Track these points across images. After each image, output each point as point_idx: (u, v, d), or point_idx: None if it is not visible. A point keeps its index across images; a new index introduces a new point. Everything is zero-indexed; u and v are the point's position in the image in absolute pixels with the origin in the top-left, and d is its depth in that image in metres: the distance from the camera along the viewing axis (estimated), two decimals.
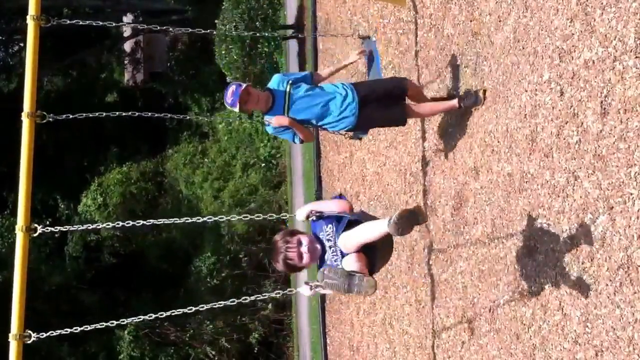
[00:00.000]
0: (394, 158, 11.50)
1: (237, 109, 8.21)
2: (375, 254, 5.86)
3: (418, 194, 10.37)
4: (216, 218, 7.97)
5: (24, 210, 7.63)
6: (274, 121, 8.25)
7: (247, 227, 25.95)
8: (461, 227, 8.78)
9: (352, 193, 14.30)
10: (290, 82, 8.35)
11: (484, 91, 8.30)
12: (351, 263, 5.63)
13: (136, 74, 43.16)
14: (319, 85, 8.57)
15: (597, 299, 5.83)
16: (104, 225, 8.13)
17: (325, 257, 6.06)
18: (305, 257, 6.00)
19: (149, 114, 10.17)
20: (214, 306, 7.67)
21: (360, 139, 9.50)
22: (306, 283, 5.87)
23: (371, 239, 5.61)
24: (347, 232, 5.81)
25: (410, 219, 5.21)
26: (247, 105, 8.25)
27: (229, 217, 7.97)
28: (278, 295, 6.83)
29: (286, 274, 24.94)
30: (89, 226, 8.30)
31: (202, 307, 7.95)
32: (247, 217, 7.76)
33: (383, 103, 8.37)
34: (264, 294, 8.01)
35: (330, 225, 6.14)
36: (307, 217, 6.33)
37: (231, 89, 8.21)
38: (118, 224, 7.92)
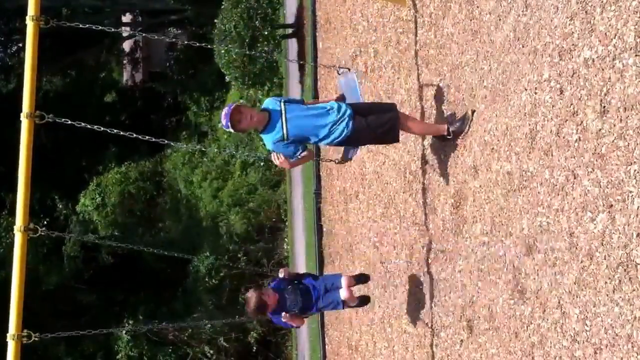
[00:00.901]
0: (394, 157, 11.50)
1: (232, 130, 8.39)
2: None
3: (417, 193, 10.37)
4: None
5: (22, 211, 7.64)
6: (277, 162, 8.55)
7: (246, 226, 25.94)
8: (460, 225, 8.78)
9: (352, 192, 14.31)
10: (283, 101, 8.52)
11: (473, 111, 8.44)
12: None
13: (135, 73, 43.17)
14: (311, 106, 8.78)
15: (596, 297, 5.83)
16: (109, 243, 8.14)
17: (287, 304, 9.68)
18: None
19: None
20: (223, 322, 7.70)
21: (349, 159, 9.58)
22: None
23: None
24: None
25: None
26: (241, 124, 8.36)
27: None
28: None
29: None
30: (90, 236, 8.34)
31: (207, 323, 8.10)
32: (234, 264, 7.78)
33: (376, 118, 8.50)
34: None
35: (290, 286, 10.11)
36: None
37: (224, 111, 8.32)
38: (117, 243, 7.97)
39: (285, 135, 8.33)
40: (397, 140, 8.99)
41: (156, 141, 9.19)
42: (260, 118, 8.40)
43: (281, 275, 10.23)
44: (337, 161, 9.67)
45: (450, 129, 8.75)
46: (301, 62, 21.23)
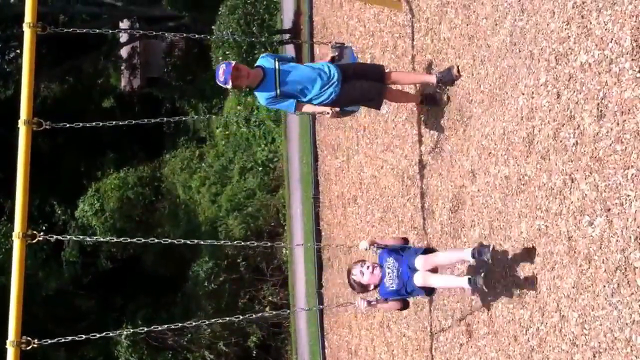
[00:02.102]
0: (391, 161, 11.52)
1: (229, 86, 8.88)
2: None
3: (415, 197, 10.39)
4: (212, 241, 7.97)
5: (20, 217, 7.64)
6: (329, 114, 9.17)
7: (245, 231, 25.92)
8: (459, 229, 8.80)
9: (349, 197, 14.32)
10: (277, 59, 9.01)
11: (458, 69, 8.89)
12: (428, 277, 7.29)
13: (133, 79, 43.18)
14: (303, 64, 9.28)
15: (594, 300, 5.85)
16: (107, 239, 8.17)
17: (384, 279, 7.53)
18: (366, 274, 7.57)
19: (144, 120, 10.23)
20: (212, 316, 7.76)
21: (351, 113, 9.97)
22: (362, 299, 7.70)
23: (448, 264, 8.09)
24: (427, 257, 7.34)
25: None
26: (239, 80, 8.84)
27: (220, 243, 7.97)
28: (271, 315, 7.25)
29: (284, 278, 24.96)
30: (87, 238, 8.36)
31: (204, 322, 8.28)
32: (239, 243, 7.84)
33: (363, 80, 9.09)
34: (260, 313, 9.04)
35: (391, 259, 7.53)
36: (371, 244, 7.73)
37: (222, 68, 8.78)
38: (112, 239, 8.02)
39: (277, 94, 8.88)
40: (379, 109, 9.91)
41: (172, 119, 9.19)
42: (255, 75, 8.86)
43: (364, 246, 7.79)
44: (337, 114, 9.69)
45: (438, 80, 9.24)
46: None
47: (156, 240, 8.43)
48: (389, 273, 7.47)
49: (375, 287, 7.65)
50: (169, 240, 8.47)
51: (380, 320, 12.12)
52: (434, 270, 7.36)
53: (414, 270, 7.31)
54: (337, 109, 9.19)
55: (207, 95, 32.82)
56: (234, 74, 8.69)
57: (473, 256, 6.98)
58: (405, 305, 7.89)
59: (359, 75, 9.11)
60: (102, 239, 8.27)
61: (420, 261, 7.27)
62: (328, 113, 9.18)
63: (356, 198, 13.80)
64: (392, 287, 7.46)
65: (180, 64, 37.74)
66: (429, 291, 7.60)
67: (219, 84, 8.92)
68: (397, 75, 9.53)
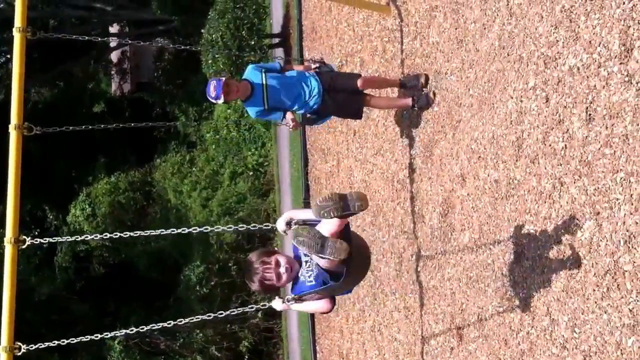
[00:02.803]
0: (381, 166, 11.52)
1: (221, 101, 9.25)
2: (349, 263, 5.42)
3: (405, 201, 10.39)
4: (201, 229, 7.91)
5: (12, 222, 7.61)
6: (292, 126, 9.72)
7: (236, 235, 25.90)
8: (449, 233, 8.80)
9: None
10: (265, 71, 9.38)
11: (434, 93, 9.21)
12: (327, 226, 5.22)
13: (123, 84, 43.09)
14: (288, 74, 9.56)
15: (584, 304, 5.85)
16: (92, 236, 8.19)
17: (300, 273, 5.86)
18: (284, 277, 5.80)
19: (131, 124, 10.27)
20: (205, 318, 7.69)
21: (319, 124, 11.05)
22: (279, 297, 5.93)
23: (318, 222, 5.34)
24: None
25: (339, 203, 5.04)
26: (230, 96, 9.21)
27: (213, 228, 7.94)
28: (252, 310, 6.82)
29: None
30: (77, 237, 8.33)
31: (193, 319, 8.03)
32: (230, 227, 7.79)
33: (343, 95, 9.52)
34: (241, 309, 8.20)
35: None
36: (288, 225, 5.80)
37: (212, 84, 9.14)
38: (106, 235, 7.96)
39: (266, 108, 9.33)
40: (359, 119, 10.39)
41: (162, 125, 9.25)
42: (243, 89, 9.28)
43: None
44: (306, 120, 10.50)
45: (416, 106, 9.74)
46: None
47: (147, 233, 8.28)
48: (306, 262, 5.87)
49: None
50: (158, 231, 8.17)
51: (372, 324, 12.12)
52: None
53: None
54: (298, 122, 9.85)
55: (197, 99, 32.78)
56: (225, 90, 9.06)
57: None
58: (333, 301, 5.98)
59: (337, 87, 9.52)
60: (89, 237, 8.32)
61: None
62: (288, 124, 9.72)
63: None
64: (311, 282, 5.82)
65: (170, 68, 37.70)
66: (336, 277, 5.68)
67: (210, 99, 9.24)
68: (375, 102, 10.12)
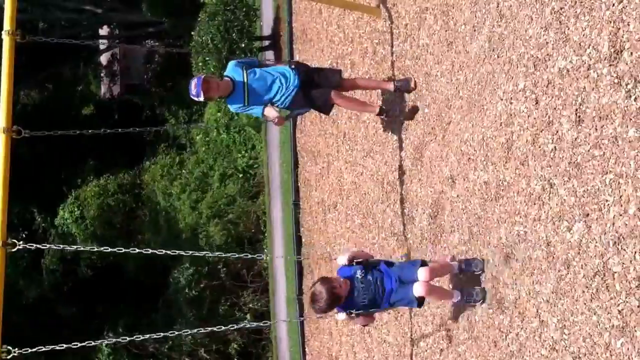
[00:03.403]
0: (371, 167, 11.52)
1: (202, 99, 9.53)
2: None
3: (395, 203, 10.39)
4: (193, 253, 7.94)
5: (0, 226, 7.58)
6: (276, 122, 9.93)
7: (225, 237, 25.87)
8: (438, 235, 8.81)
9: (330, 203, 14.31)
10: (244, 68, 9.66)
11: (415, 82, 9.54)
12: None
13: (112, 86, 43.05)
14: (266, 68, 9.84)
15: (573, 305, 5.86)
16: (86, 248, 8.16)
17: (355, 295, 7.55)
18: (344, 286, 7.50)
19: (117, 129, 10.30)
20: (202, 331, 7.80)
21: (301, 114, 11.66)
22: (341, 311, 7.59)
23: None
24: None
25: None
26: (210, 92, 9.51)
27: (203, 253, 7.94)
28: (252, 326, 7.22)
29: (265, 284, 24.89)
30: (67, 247, 8.31)
31: (186, 332, 8.17)
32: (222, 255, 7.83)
33: (318, 87, 9.80)
34: (237, 324, 8.89)
35: (361, 271, 7.60)
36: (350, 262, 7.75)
37: (193, 82, 9.49)
38: (93, 248, 8.00)
39: (246, 104, 9.62)
40: (327, 114, 10.64)
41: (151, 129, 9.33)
42: (224, 87, 9.59)
43: (342, 261, 7.89)
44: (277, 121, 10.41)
45: (388, 113, 10.18)
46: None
47: (137, 251, 8.45)
48: (362, 287, 7.55)
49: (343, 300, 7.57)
50: (150, 251, 8.44)
51: (361, 326, 12.10)
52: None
53: (410, 282, 7.42)
54: (282, 117, 10.04)
55: (187, 101, 32.76)
56: (205, 87, 9.38)
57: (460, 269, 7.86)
58: (371, 322, 8.27)
59: (313, 82, 9.77)
60: (82, 248, 8.31)
61: (422, 273, 7.37)
62: (270, 120, 10.03)
63: (336, 204, 13.80)
64: (364, 301, 7.57)
65: (160, 70, 37.67)
66: (421, 301, 7.55)
67: (192, 97, 9.57)
68: (347, 103, 10.28)
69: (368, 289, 7.58)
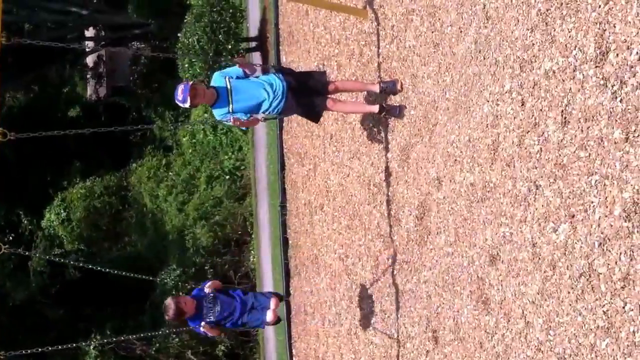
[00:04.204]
0: (358, 169, 11.52)
1: (188, 105, 9.38)
2: None
3: (382, 205, 10.39)
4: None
5: None
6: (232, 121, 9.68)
7: (212, 239, 25.85)
8: (425, 236, 8.81)
9: (317, 205, 14.31)
10: (228, 78, 9.60)
11: (401, 84, 9.59)
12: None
13: (99, 88, 42.88)
14: (252, 77, 9.75)
15: (559, 306, 5.87)
16: (76, 263, 8.13)
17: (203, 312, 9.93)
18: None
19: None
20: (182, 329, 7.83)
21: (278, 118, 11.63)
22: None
23: None
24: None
25: None
26: (197, 99, 9.43)
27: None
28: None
29: (252, 286, 24.87)
30: (54, 255, 8.28)
31: (164, 331, 8.09)
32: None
33: (306, 95, 9.78)
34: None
35: (213, 296, 10.18)
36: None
37: (180, 88, 9.42)
38: (81, 262, 7.94)
39: (231, 110, 9.52)
40: (317, 122, 10.66)
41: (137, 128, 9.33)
42: (210, 95, 9.50)
43: (207, 290, 10.28)
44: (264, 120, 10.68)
45: (384, 116, 10.01)
46: (265, 69, 21.26)
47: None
48: (209, 307, 10.06)
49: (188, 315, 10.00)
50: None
51: (348, 327, 12.11)
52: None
53: (264, 308, 10.35)
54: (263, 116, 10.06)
55: (173, 103, 32.72)
56: (192, 93, 9.27)
57: None
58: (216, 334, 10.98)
59: (302, 88, 9.77)
60: (62, 259, 8.40)
61: (274, 303, 10.34)
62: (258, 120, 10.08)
63: (323, 206, 13.79)
64: (210, 319, 10.02)
65: (146, 72, 37.55)
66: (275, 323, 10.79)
67: (178, 103, 9.55)
68: (339, 107, 10.26)
69: (214, 309, 10.06)
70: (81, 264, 7.83)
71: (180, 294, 10.80)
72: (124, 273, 10.12)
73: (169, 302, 9.86)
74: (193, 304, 9.96)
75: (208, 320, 10.01)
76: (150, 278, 8.16)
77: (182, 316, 9.92)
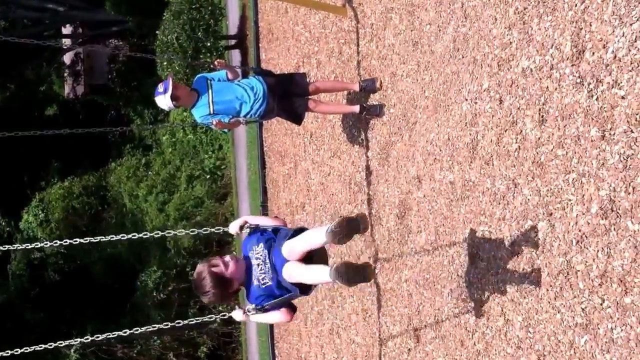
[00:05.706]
0: (338, 168, 11.53)
1: (169, 95, 9.38)
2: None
3: (362, 204, 10.40)
4: (163, 233, 7.95)
5: None
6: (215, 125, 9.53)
7: (194, 240, 25.76)
8: (405, 235, 8.83)
9: (298, 204, 14.30)
10: (209, 80, 9.68)
11: (380, 82, 9.63)
12: (294, 269, 5.51)
13: (76, 86, 42.58)
14: (235, 81, 9.79)
15: (538, 304, 5.90)
16: (50, 244, 8.09)
17: (252, 274, 5.78)
18: (231, 265, 5.72)
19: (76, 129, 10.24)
20: (162, 327, 7.71)
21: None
22: (239, 307, 5.95)
23: (315, 246, 5.46)
24: (292, 241, 5.53)
25: (350, 228, 5.27)
26: (178, 91, 9.50)
27: (174, 232, 7.94)
28: (211, 319, 6.85)
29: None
30: (27, 245, 8.27)
31: (149, 328, 8.04)
32: (193, 231, 7.79)
33: (287, 97, 9.87)
34: (200, 318, 8.44)
35: (261, 244, 5.87)
36: (241, 228, 6.13)
37: (163, 86, 9.53)
38: (56, 242, 7.89)
39: (211, 112, 9.51)
40: (299, 124, 10.60)
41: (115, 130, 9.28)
42: (192, 96, 9.59)
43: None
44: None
45: (364, 115, 10.00)
46: (245, 71, 21.22)
47: (107, 238, 8.35)
48: (259, 265, 5.82)
49: (240, 285, 5.91)
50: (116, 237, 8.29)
51: (330, 327, 12.12)
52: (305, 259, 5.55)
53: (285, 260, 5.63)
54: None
55: (152, 101, 32.59)
56: (173, 85, 9.44)
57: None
58: (293, 310, 5.98)
59: (283, 90, 9.84)
60: (43, 245, 8.28)
61: (286, 248, 5.58)
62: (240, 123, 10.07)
63: (304, 205, 13.79)
64: (266, 282, 5.75)
65: (125, 70, 37.37)
66: (304, 289, 5.71)
67: (158, 100, 9.61)
68: (321, 107, 10.25)
69: (270, 268, 5.85)
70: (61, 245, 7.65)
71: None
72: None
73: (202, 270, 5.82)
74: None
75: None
76: None
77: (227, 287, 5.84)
